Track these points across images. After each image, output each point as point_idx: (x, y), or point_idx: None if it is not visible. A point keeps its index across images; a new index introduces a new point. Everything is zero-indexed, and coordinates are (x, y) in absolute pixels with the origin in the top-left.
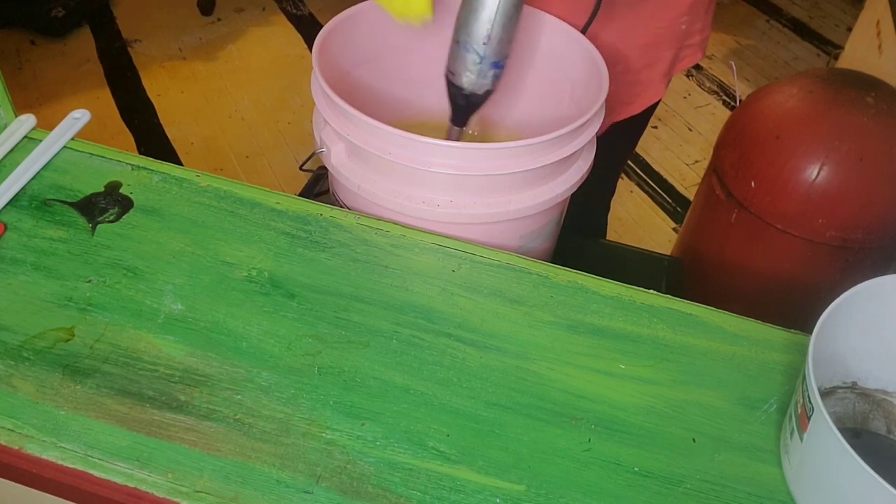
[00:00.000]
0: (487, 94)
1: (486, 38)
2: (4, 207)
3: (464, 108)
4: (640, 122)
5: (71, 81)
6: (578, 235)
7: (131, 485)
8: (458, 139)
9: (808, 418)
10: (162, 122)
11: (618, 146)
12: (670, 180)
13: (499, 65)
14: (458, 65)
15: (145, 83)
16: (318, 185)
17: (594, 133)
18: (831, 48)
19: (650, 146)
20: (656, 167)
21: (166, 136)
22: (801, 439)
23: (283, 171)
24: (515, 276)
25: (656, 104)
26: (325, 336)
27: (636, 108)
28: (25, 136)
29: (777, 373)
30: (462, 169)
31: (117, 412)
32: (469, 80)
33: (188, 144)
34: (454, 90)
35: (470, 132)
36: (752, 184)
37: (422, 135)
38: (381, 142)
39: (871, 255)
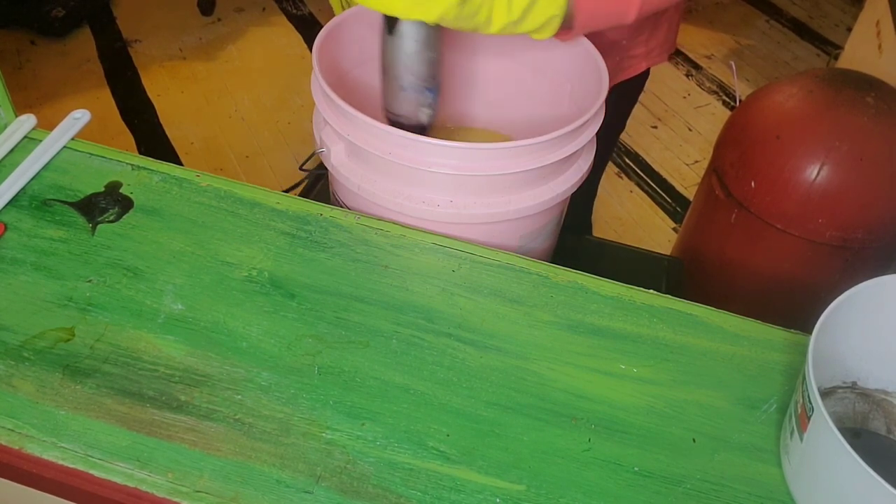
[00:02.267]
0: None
1: (433, 75)
2: (4, 207)
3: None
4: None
5: (71, 81)
6: (569, 234)
7: (131, 485)
8: None
9: (808, 418)
10: (162, 122)
11: None
12: (670, 180)
13: (439, 88)
14: (408, 107)
15: (145, 83)
16: (316, 187)
17: (594, 133)
18: (831, 48)
19: (650, 146)
20: (656, 167)
21: (166, 136)
22: (801, 439)
23: (283, 171)
24: (515, 276)
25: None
26: (325, 336)
27: None
28: (25, 136)
29: (777, 373)
30: (462, 169)
31: (117, 412)
32: (426, 114)
33: (188, 144)
34: (411, 129)
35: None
36: (752, 184)
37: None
38: (381, 142)
39: (871, 255)
